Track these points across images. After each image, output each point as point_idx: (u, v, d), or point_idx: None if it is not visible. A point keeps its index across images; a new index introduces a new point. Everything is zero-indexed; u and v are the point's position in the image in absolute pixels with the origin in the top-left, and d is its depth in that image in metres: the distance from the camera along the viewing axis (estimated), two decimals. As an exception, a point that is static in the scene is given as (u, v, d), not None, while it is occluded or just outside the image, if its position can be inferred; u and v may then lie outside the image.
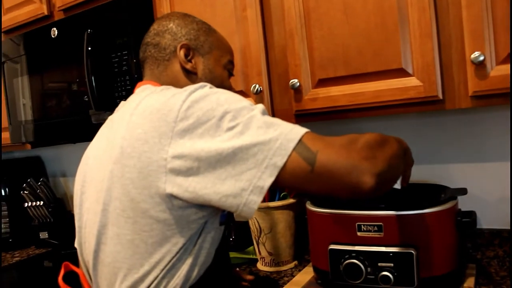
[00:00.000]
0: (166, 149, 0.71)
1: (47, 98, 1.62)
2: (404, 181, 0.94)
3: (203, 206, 0.75)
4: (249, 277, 1.19)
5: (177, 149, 0.70)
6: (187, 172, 0.70)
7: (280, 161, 0.68)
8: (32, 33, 1.63)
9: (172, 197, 0.72)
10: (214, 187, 0.70)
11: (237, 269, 1.18)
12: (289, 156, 0.68)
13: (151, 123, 0.73)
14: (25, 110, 1.71)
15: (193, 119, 0.71)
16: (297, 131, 0.71)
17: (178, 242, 0.76)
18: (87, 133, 1.46)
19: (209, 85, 0.78)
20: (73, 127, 1.55)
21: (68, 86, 1.53)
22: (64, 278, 0.94)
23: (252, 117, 0.71)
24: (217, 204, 0.71)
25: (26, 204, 1.98)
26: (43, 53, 1.59)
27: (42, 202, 1.97)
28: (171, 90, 0.78)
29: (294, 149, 0.68)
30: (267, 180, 0.68)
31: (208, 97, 0.73)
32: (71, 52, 1.48)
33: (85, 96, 1.47)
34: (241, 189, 0.69)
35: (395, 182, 0.83)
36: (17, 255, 1.93)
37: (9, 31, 1.79)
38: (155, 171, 0.72)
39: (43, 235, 2.01)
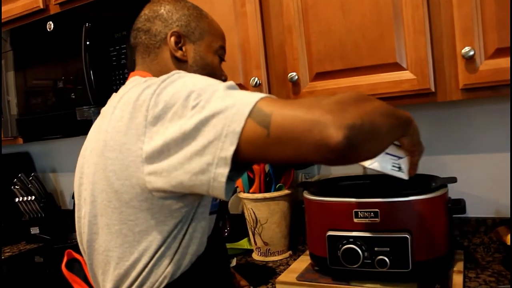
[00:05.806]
0: (142, 139, 0.72)
1: (34, 93, 1.62)
2: (412, 169, 0.89)
3: (182, 196, 0.75)
4: (244, 283, 1.18)
5: (152, 138, 0.71)
6: (159, 157, 0.70)
7: (238, 126, 0.63)
8: (21, 28, 1.63)
9: (151, 188, 0.73)
10: (183, 167, 0.68)
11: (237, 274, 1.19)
12: (246, 121, 0.63)
13: (129, 115, 0.74)
14: (11, 105, 1.71)
15: (162, 104, 0.70)
16: (255, 95, 0.66)
17: (163, 230, 0.76)
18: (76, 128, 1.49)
19: (182, 72, 0.78)
20: (61, 122, 1.56)
21: (56, 82, 1.54)
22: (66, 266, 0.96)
23: (214, 91, 0.69)
24: (189, 185, 0.69)
25: (17, 199, 1.97)
26: (36, 47, 1.58)
27: (33, 197, 1.96)
28: (148, 81, 0.78)
29: (249, 114, 0.64)
30: (229, 149, 0.64)
31: (176, 82, 0.73)
32: (67, 46, 1.49)
33: (72, 94, 1.49)
34: (207, 163, 0.66)
35: (382, 145, 0.70)
36: (8, 250, 1.92)
37: (3, 24, 1.78)
38: (134, 161, 0.73)
39: (34, 230, 2.00)
